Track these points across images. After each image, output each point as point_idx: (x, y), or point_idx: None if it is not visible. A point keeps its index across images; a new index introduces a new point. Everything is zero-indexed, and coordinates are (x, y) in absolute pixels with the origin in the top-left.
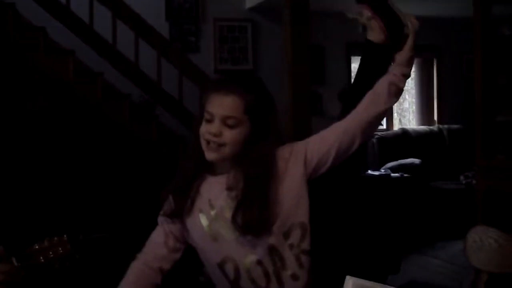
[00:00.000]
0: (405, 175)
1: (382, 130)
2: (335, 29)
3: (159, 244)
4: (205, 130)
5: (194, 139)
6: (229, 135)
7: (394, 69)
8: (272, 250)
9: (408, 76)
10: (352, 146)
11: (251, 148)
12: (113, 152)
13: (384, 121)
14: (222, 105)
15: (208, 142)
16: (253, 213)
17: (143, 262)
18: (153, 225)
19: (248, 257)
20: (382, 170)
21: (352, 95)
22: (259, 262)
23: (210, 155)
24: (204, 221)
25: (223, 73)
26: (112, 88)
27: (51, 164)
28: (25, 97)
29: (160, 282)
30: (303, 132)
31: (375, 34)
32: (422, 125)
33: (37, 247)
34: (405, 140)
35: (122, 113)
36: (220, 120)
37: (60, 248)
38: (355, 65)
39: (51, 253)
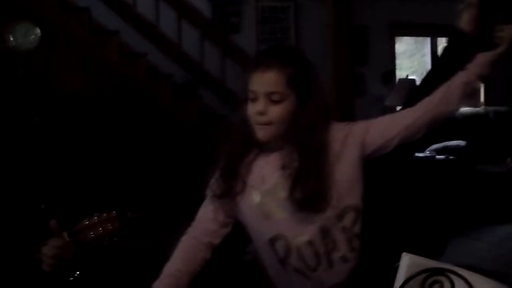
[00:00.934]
0: (450, 157)
1: None
2: (379, 8)
3: (208, 219)
4: (252, 110)
5: (239, 120)
6: (274, 111)
7: (473, 68)
8: (324, 231)
9: (484, 77)
10: (415, 138)
11: (301, 122)
12: (156, 131)
13: None
14: (263, 81)
15: (257, 122)
16: (310, 186)
17: (193, 236)
18: (197, 203)
19: (300, 236)
20: (427, 152)
21: (427, 81)
22: (310, 243)
23: (260, 134)
24: (256, 197)
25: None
26: (155, 69)
27: (98, 143)
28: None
29: (209, 256)
30: (345, 113)
31: (465, 22)
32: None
33: (87, 223)
34: (450, 122)
35: (165, 93)
36: (264, 97)
37: (109, 224)
38: (399, 46)
39: (100, 229)
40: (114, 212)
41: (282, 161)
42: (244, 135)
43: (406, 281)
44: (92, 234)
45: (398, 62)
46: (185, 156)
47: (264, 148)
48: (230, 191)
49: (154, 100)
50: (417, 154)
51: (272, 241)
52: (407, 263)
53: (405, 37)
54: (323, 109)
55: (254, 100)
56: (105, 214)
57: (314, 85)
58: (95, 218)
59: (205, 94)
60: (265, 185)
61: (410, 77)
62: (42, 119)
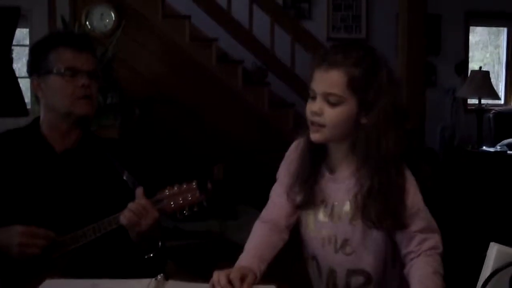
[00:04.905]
0: None
1: (500, 105)
2: None
3: (280, 203)
4: (308, 109)
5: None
6: (329, 114)
7: None
8: (350, 273)
9: None
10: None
11: (364, 132)
12: (225, 115)
13: (502, 95)
14: (323, 80)
15: (311, 123)
16: (382, 204)
17: (268, 220)
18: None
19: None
20: (498, 147)
21: None
22: (333, 271)
23: (313, 136)
24: (311, 223)
25: (335, 41)
26: (226, 54)
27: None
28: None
29: (287, 237)
30: (417, 105)
31: None
32: None
33: (167, 192)
34: None
35: (236, 79)
36: (322, 97)
37: (189, 195)
38: (471, 37)
39: (180, 199)
40: (194, 182)
41: (350, 184)
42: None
43: (493, 273)
44: (172, 204)
45: (470, 53)
46: (253, 142)
47: (327, 158)
48: (306, 203)
49: (223, 85)
50: (487, 149)
51: (311, 259)
52: (495, 253)
53: (477, 28)
54: (392, 118)
55: (313, 98)
56: (185, 185)
57: (381, 91)
58: (176, 188)
59: (274, 80)
60: (319, 197)
61: (482, 69)
62: (141, 112)
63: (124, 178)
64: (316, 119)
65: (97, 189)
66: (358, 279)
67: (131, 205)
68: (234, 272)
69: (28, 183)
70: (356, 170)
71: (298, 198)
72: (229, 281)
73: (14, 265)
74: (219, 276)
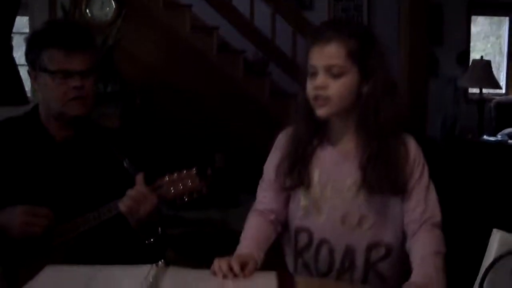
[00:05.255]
0: None
1: (501, 95)
2: None
3: (271, 201)
4: (310, 86)
5: (302, 101)
6: (334, 86)
7: None
8: (349, 250)
9: None
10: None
11: (366, 100)
12: (226, 105)
13: (503, 85)
14: (323, 54)
15: (315, 98)
16: (384, 168)
17: (259, 213)
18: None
19: (324, 238)
20: (499, 136)
21: None
22: (331, 251)
23: (319, 111)
24: (315, 191)
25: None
26: (227, 44)
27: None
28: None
29: (280, 229)
30: (419, 95)
31: None
32: None
33: (167, 179)
34: None
35: (236, 69)
36: (324, 70)
37: (189, 181)
38: (472, 27)
39: (180, 185)
40: (194, 169)
41: (348, 153)
42: (308, 118)
43: (496, 260)
44: (172, 190)
45: (471, 44)
46: (254, 131)
47: (326, 134)
48: (298, 183)
49: (224, 75)
50: (488, 138)
51: (298, 231)
52: (498, 240)
53: (479, 18)
54: (389, 87)
55: (314, 75)
56: (185, 171)
57: (378, 59)
58: (175, 175)
59: (276, 71)
60: (325, 179)
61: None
62: (142, 101)
63: (125, 165)
64: (321, 92)
65: (97, 177)
66: (379, 252)
67: (130, 192)
68: (234, 259)
69: (28, 171)
70: (359, 140)
71: (290, 181)
72: (230, 268)
73: (15, 251)
74: (220, 263)
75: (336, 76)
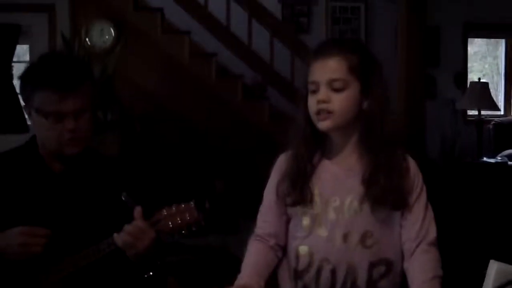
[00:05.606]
0: None
1: (499, 116)
2: (451, 8)
3: (272, 224)
4: (313, 101)
5: (301, 120)
6: (337, 100)
7: None
8: (350, 268)
9: None
10: None
11: (368, 114)
12: (226, 130)
13: (501, 106)
14: (324, 69)
15: (318, 112)
16: (388, 181)
17: (260, 239)
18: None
19: (326, 261)
20: (498, 158)
21: None
22: (333, 271)
23: (322, 124)
24: (316, 208)
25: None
26: (225, 69)
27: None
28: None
29: (280, 255)
30: (416, 116)
31: None
32: None
33: (165, 212)
34: None
35: (235, 93)
36: (326, 85)
37: (187, 215)
38: (470, 48)
39: (179, 219)
40: (192, 202)
41: (349, 168)
42: (307, 135)
43: None
44: (170, 224)
45: (469, 64)
46: (255, 156)
47: (327, 151)
48: (300, 200)
49: (223, 100)
50: (487, 160)
51: (298, 252)
52: (495, 270)
53: (476, 39)
54: (387, 103)
55: (315, 91)
56: (183, 205)
57: (378, 75)
58: (173, 208)
59: (274, 95)
60: (327, 196)
61: (481, 80)
62: (141, 128)
63: (123, 198)
64: (324, 106)
65: (96, 209)
66: (380, 270)
67: (127, 227)
68: None
69: (26, 204)
70: (360, 155)
71: (291, 198)
72: None
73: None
74: None
75: (338, 90)
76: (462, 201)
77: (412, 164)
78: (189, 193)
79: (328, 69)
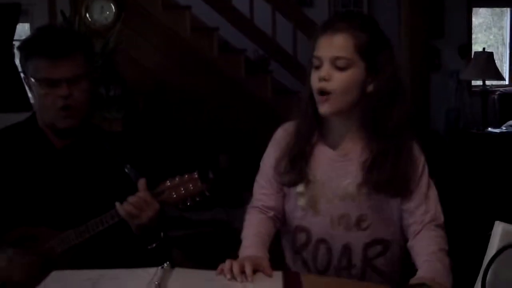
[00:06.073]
0: None
1: (505, 86)
2: None
3: (270, 198)
4: (315, 77)
5: (305, 97)
6: (339, 78)
7: None
8: (346, 249)
9: None
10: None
11: (371, 97)
12: (229, 105)
13: (506, 76)
14: (330, 45)
15: (319, 92)
16: (388, 170)
17: (258, 211)
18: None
19: (322, 238)
20: (503, 128)
21: None
22: (329, 250)
23: (322, 108)
24: (313, 187)
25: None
26: (227, 43)
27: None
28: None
29: (279, 225)
30: (420, 88)
31: None
32: None
33: (169, 183)
34: None
35: (238, 68)
36: (329, 62)
37: (190, 185)
38: (474, 19)
39: (182, 189)
40: (196, 173)
41: (347, 153)
42: (309, 113)
43: (499, 251)
44: (174, 195)
45: (473, 35)
46: (258, 130)
47: (324, 132)
48: (298, 180)
49: (226, 75)
50: (492, 130)
51: (296, 230)
52: (500, 231)
53: (480, 9)
54: (396, 86)
55: (319, 67)
56: (186, 175)
57: (387, 57)
58: (177, 179)
59: (277, 68)
60: (323, 178)
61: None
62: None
63: (126, 171)
64: (324, 84)
65: (99, 183)
66: (376, 249)
67: (130, 198)
68: (247, 261)
69: (29, 179)
70: (360, 141)
71: (289, 178)
72: (242, 271)
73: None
74: (232, 264)
75: (341, 69)
76: (467, 172)
77: (415, 148)
78: (194, 168)
79: (333, 46)
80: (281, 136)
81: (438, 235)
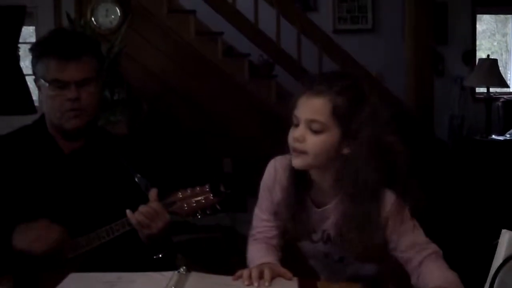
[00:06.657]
0: None
1: (509, 93)
2: None
3: (268, 228)
4: (291, 135)
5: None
6: (311, 142)
7: None
8: None
9: None
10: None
11: (347, 162)
12: (233, 109)
13: (510, 84)
14: (307, 107)
15: (293, 149)
16: (356, 235)
17: (259, 240)
18: None
19: None
20: (507, 135)
21: None
22: None
23: (294, 161)
24: (305, 242)
25: (341, 32)
26: (232, 48)
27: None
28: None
29: (281, 254)
30: (425, 94)
31: None
32: None
33: (180, 195)
34: None
35: (242, 73)
36: (305, 123)
37: (202, 198)
38: (478, 25)
39: (193, 202)
40: (207, 186)
41: (326, 208)
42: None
43: (506, 260)
44: (185, 207)
45: (477, 42)
46: (262, 134)
47: (308, 184)
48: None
49: (230, 79)
50: (496, 137)
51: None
52: (507, 240)
53: (484, 16)
54: (374, 148)
55: (296, 126)
56: (198, 188)
57: (366, 119)
58: (188, 191)
59: (281, 73)
60: (319, 233)
61: (490, 57)
62: (149, 107)
63: (136, 180)
64: (298, 145)
65: (107, 189)
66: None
67: (142, 208)
68: (267, 268)
69: (37, 185)
70: (335, 196)
71: (287, 226)
72: (260, 276)
73: (29, 264)
74: (251, 270)
75: (316, 132)
76: (471, 179)
77: (388, 205)
78: (198, 172)
79: (310, 108)
80: (271, 177)
81: (442, 263)
